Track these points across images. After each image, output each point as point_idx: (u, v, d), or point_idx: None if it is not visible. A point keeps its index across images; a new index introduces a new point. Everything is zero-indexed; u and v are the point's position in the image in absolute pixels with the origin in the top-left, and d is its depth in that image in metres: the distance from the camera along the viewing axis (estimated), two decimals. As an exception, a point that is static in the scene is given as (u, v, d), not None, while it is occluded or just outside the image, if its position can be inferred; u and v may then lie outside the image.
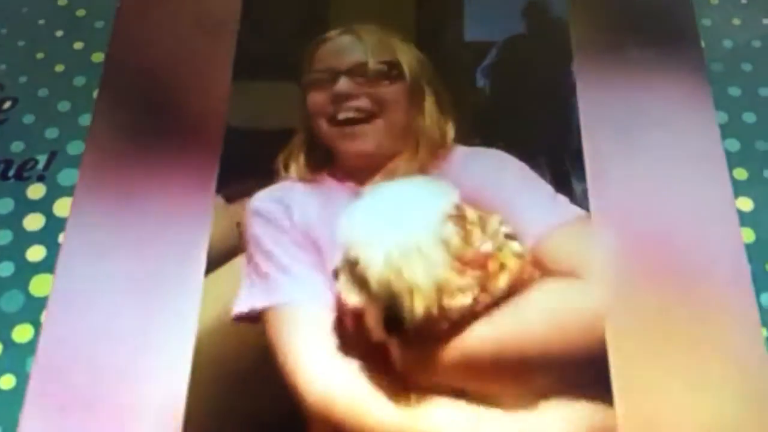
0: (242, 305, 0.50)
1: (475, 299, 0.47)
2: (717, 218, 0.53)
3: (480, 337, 0.47)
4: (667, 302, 0.50)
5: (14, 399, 0.48)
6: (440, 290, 0.47)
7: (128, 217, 0.53)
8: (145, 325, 0.49)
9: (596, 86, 0.58)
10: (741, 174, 0.58)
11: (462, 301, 0.47)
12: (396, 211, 0.49)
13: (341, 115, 0.57)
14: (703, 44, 0.61)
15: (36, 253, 0.55)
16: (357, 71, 0.58)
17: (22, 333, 0.52)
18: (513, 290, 0.49)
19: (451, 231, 0.48)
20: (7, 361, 0.51)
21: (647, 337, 0.49)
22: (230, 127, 0.57)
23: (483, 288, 0.48)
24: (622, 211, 0.53)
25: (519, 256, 0.49)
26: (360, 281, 0.48)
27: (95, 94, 0.59)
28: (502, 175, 0.55)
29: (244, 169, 0.56)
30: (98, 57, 0.64)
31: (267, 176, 0.55)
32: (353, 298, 0.48)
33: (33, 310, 0.52)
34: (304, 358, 0.48)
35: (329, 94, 0.57)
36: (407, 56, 0.59)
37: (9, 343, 0.51)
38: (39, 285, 0.54)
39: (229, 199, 0.54)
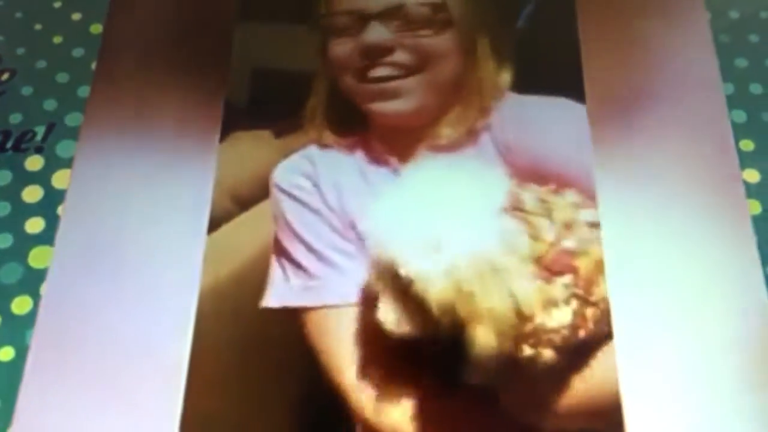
0: (274, 299, 0.44)
1: (575, 314, 0.36)
2: (723, 190, 0.52)
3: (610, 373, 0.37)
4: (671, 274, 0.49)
5: (13, 371, 0.48)
6: (529, 308, 0.35)
7: (127, 189, 0.52)
8: (148, 293, 0.49)
9: (602, 57, 0.57)
10: (747, 145, 0.57)
11: (559, 318, 0.35)
12: (441, 212, 0.39)
13: (373, 73, 0.46)
14: (709, 15, 0.60)
15: (35, 225, 0.54)
16: (392, 14, 0.46)
17: (21, 305, 0.51)
18: None
19: (513, 228, 0.37)
20: (6, 333, 0.50)
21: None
22: (256, 69, 0.52)
23: (583, 299, 0.36)
24: (626, 184, 0.52)
25: None
26: (409, 303, 0.38)
27: (94, 65, 0.59)
28: (575, 136, 0.45)
29: (270, 111, 0.51)
30: (97, 28, 0.63)
31: (291, 116, 0.49)
32: (399, 327, 0.39)
33: (32, 282, 0.52)
34: (350, 366, 0.41)
35: (356, 44, 0.47)
36: None
37: (8, 315, 0.51)
38: (38, 257, 0.53)
39: (278, 134, 0.50)
